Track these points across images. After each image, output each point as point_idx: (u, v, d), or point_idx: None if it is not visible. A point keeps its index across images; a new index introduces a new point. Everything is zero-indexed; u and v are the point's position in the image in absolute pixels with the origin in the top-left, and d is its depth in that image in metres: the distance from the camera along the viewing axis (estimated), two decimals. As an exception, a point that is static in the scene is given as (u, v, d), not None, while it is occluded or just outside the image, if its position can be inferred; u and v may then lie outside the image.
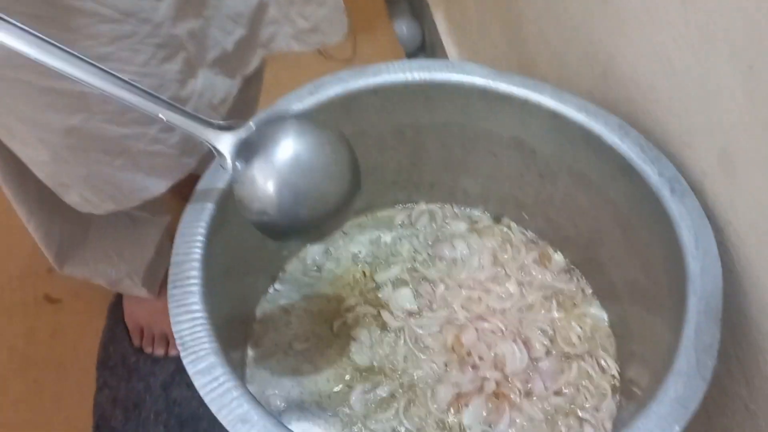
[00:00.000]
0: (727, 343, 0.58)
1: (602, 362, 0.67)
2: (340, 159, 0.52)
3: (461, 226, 0.78)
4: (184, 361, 0.47)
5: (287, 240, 0.54)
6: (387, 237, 0.78)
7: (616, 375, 0.66)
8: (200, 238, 0.54)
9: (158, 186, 0.68)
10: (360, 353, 0.68)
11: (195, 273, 0.52)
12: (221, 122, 0.50)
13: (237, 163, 0.50)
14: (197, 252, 0.53)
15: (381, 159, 0.74)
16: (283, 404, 0.65)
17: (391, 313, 0.70)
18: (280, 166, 0.49)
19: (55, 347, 1.08)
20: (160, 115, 0.47)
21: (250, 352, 0.68)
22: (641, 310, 0.63)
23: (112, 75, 0.44)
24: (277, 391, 0.66)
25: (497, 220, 0.79)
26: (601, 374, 0.66)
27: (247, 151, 0.50)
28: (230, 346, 0.65)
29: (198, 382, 0.47)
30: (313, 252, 0.76)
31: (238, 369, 0.66)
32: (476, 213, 0.79)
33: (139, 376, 1.03)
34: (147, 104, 0.46)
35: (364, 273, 0.74)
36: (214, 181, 0.58)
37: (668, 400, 0.46)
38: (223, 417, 0.45)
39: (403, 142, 0.73)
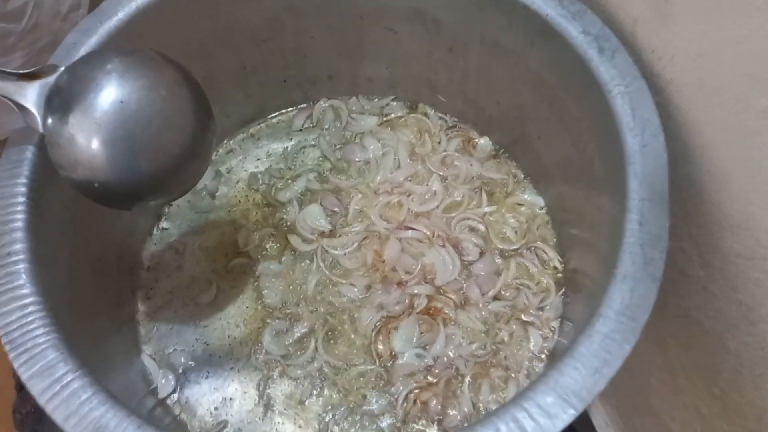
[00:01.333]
0: (678, 220, 0.50)
1: (542, 255, 0.59)
2: (177, 98, 0.42)
3: (371, 121, 0.67)
4: (15, 364, 0.38)
5: (133, 206, 0.44)
6: (287, 146, 0.66)
7: (559, 267, 0.59)
8: (21, 199, 0.43)
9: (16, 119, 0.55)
10: (269, 288, 0.59)
11: (19, 246, 0.41)
12: (19, 71, 0.40)
13: (49, 120, 0.39)
14: (19, 218, 0.42)
15: (261, 55, 0.61)
16: (188, 361, 0.57)
17: (300, 236, 0.61)
18: (104, 119, 0.39)
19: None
20: None
21: (141, 307, 0.59)
22: (578, 193, 0.54)
23: None
24: (179, 347, 0.57)
25: (411, 108, 0.68)
26: (542, 269, 0.59)
27: (60, 103, 0.39)
28: (115, 304, 0.55)
29: (35, 389, 0.37)
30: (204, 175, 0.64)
31: (127, 328, 0.57)
32: (386, 103, 0.68)
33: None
34: None
35: (263, 193, 0.64)
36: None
37: (613, 313, 0.39)
38: (71, 427, 0.36)
39: (281, 30, 0.60)
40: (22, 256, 0.41)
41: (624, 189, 0.43)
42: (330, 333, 0.57)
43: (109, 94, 0.39)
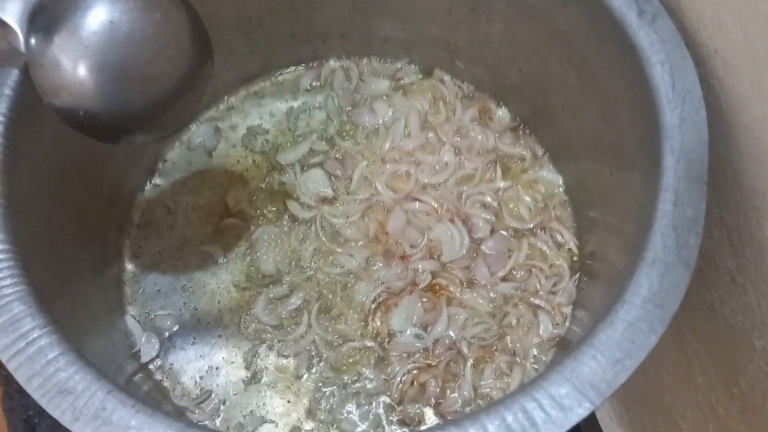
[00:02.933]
0: (710, 204, 0.46)
1: (558, 236, 0.55)
2: (173, 23, 0.38)
3: (382, 85, 0.63)
4: (-24, 317, 0.34)
5: (120, 139, 0.41)
6: (292, 106, 0.62)
7: (575, 249, 0.55)
8: (-6, 136, 0.39)
9: None
10: (264, 254, 0.55)
11: (-11, 187, 0.38)
12: None
13: (33, 40, 0.36)
14: (-9, 157, 0.38)
15: (267, 5, 0.57)
16: (174, 326, 0.53)
17: (299, 201, 0.57)
18: (92, 40, 0.36)
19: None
20: None
21: (128, 266, 0.55)
22: (603, 170, 0.50)
23: None
24: (165, 311, 0.54)
25: (426, 73, 0.63)
26: (557, 251, 0.55)
27: (44, 21, 0.36)
28: (99, 261, 0.52)
29: (-3, 344, 0.34)
30: (199, 133, 0.60)
31: (112, 287, 0.54)
32: (400, 66, 0.64)
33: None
34: None
35: (264, 153, 0.60)
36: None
37: (640, 300, 0.35)
38: (34, 389, 0.33)
39: (292, -22, 0.56)
40: (-8, 199, 0.37)
41: (658, 166, 0.39)
42: (324, 306, 0.53)
43: (99, 13, 0.35)
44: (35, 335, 0.34)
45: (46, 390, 0.32)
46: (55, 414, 0.32)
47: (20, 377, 0.33)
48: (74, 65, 0.35)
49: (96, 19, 0.35)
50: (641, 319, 0.34)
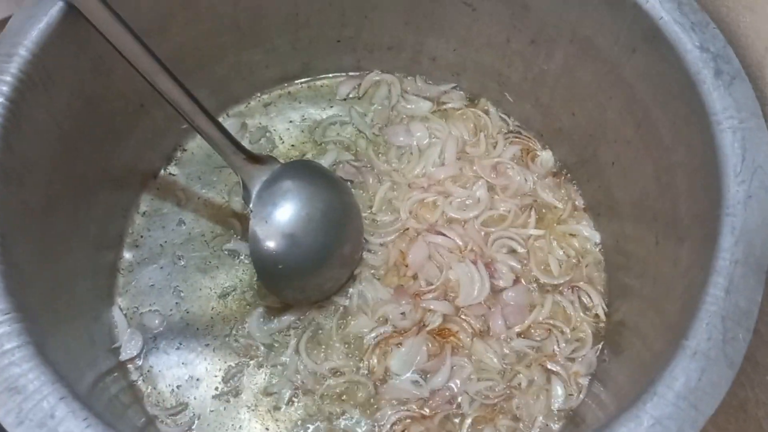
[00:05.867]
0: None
1: (586, 298, 0.51)
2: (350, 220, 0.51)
3: (423, 106, 0.59)
4: (-65, 289, 0.31)
5: (284, 293, 0.50)
6: (325, 114, 0.59)
7: (602, 316, 0.50)
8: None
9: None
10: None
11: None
12: (249, 151, 0.47)
13: (255, 207, 0.47)
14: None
15: (318, 5, 0.54)
16: (161, 325, 0.50)
17: (316, 215, 0.53)
18: (294, 223, 0.47)
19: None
20: (197, 122, 0.44)
21: (127, 255, 0.52)
22: (649, 237, 0.46)
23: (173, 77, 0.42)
24: (155, 308, 0.50)
25: (473, 101, 0.60)
26: (583, 314, 0.50)
27: (268, 196, 0.47)
28: (96, 245, 0.49)
29: (-50, 324, 0.30)
30: (226, 126, 0.57)
31: (104, 276, 0.50)
32: (446, 90, 0.60)
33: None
34: (187, 105, 0.43)
35: (287, 159, 0.56)
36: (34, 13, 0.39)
37: (673, 395, 0.30)
38: (-19, 380, 0.29)
39: (347, -19, 0.53)
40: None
41: (713, 244, 0.34)
42: (316, 334, 0.49)
43: (298, 209, 0.47)
44: (-6, 321, 0.31)
45: (-6, 384, 0.29)
46: (-2, 413, 0.28)
47: (-32, 365, 0.29)
48: (278, 231, 0.46)
49: (304, 208, 0.47)
50: (671, 418, 0.30)
